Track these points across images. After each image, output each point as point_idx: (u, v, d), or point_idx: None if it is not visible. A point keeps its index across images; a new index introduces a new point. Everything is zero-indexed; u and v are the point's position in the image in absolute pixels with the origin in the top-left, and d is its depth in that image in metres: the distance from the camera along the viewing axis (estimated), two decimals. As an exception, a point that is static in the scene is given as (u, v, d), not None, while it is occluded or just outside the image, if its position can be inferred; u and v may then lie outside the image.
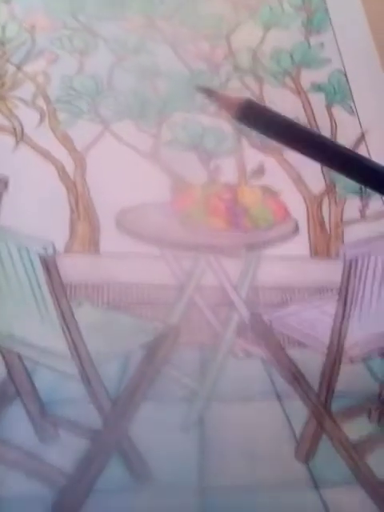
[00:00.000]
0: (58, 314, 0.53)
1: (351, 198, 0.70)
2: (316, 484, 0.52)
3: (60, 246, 0.66)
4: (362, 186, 0.68)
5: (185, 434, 0.54)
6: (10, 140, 0.71)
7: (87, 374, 0.54)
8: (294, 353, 0.58)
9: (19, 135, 0.71)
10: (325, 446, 0.54)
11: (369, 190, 0.70)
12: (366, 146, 0.72)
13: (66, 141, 0.71)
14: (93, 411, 0.54)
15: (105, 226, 0.67)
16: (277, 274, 0.64)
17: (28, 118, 0.72)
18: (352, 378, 0.57)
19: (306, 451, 0.53)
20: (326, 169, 0.71)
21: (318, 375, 0.56)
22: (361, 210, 0.70)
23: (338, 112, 0.76)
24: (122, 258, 0.65)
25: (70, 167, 0.70)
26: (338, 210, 0.71)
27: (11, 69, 0.76)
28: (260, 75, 0.79)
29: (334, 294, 0.57)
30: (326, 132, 0.74)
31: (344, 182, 0.70)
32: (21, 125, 0.72)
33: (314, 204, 0.70)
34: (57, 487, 0.50)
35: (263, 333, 0.60)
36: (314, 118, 0.75)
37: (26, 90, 0.75)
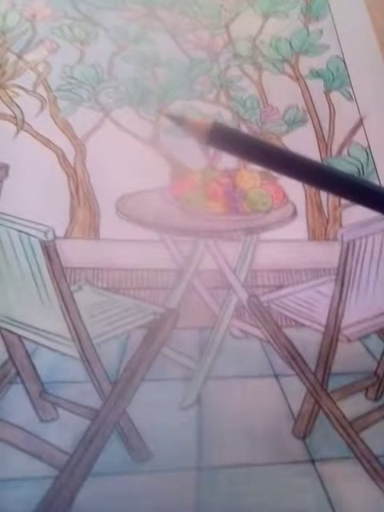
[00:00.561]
0: (58, 298, 0.53)
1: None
2: (313, 459, 0.52)
3: (60, 232, 0.66)
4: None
5: (183, 413, 0.55)
6: (11, 128, 0.71)
7: (87, 355, 0.54)
8: (292, 333, 0.59)
9: (20, 123, 0.72)
10: (322, 423, 0.55)
11: (366, 173, 0.70)
12: (365, 131, 0.73)
13: (67, 128, 0.72)
14: (92, 391, 0.54)
15: (105, 212, 0.68)
16: (275, 257, 0.65)
17: (29, 106, 0.73)
18: (349, 357, 0.57)
19: (304, 428, 0.54)
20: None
21: (315, 354, 0.57)
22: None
23: (337, 98, 0.76)
24: (122, 243, 0.65)
25: (70, 154, 0.70)
26: (336, 193, 0.71)
27: (12, 57, 0.77)
28: (259, 63, 0.79)
29: (332, 276, 0.57)
30: (324, 118, 0.74)
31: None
32: (22, 113, 0.73)
33: (311, 188, 0.70)
34: (57, 466, 0.51)
35: (261, 314, 0.60)
36: (313, 104, 0.75)
37: (27, 79, 0.75)
